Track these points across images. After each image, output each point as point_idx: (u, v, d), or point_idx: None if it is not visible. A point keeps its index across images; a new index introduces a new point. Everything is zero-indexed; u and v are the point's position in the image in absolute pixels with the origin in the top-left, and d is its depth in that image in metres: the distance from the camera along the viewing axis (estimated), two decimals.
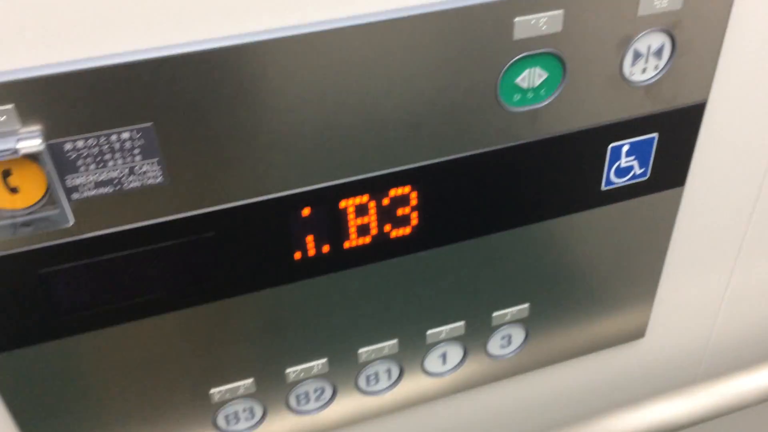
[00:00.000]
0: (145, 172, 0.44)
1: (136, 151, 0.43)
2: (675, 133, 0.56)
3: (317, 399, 0.62)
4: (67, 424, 0.54)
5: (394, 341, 0.60)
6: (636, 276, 0.66)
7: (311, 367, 0.58)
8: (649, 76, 0.52)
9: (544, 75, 0.49)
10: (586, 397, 0.76)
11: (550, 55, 0.48)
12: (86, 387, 0.52)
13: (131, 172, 0.44)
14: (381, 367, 0.62)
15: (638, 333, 0.72)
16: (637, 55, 0.50)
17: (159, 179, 0.44)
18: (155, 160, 0.44)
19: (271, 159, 0.46)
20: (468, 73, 0.47)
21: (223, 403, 0.58)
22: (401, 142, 0.49)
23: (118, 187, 0.44)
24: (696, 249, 0.67)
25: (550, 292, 0.63)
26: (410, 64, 0.45)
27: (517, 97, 0.49)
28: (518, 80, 0.49)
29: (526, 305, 0.63)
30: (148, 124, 0.42)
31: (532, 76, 0.49)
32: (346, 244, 0.52)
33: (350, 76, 0.44)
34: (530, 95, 0.50)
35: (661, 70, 0.52)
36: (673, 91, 0.53)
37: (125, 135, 0.42)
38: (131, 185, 0.44)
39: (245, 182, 0.47)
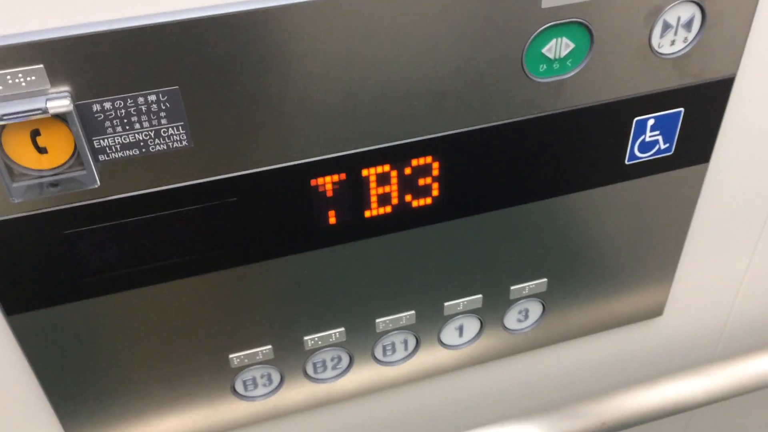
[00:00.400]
0: (170, 136, 0.44)
1: (162, 114, 0.43)
2: (702, 108, 0.55)
3: (334, 367, 0.62)
4: (88, 384, 0.55)
5: (412, 312, 0.60)
6: (656, 253, 0.65)
7: (329, 336, 0.59)
8: (677, 49, 0.51)
9: (571, 45, 0.48)
10: (602, 373, 0.76)
11: (578, 24, 0.47)
12: (108, 348, 0.53)
13: (157, 135, 0.44)
14: (398, 338, 0.62)
15: (656, 311, 0.72)
16: (666, 27, 0.50)
17: (184, 143, 0.45)
18: (181, 123, 0.44)
19: (295, 125, 0.46)
20: (494, 41, 0.46)
21: (241, 369, 0.58)
22: (424, 111, 0.48)
23: (144, 149, 0.44)
24: (718, 227, 0.66)
25: (568, 267, 0.63)
26: (436, 32, 0.45)
27: (543, 67, 0.49)
28: (545, 50, 0.48)
29: (544, 280, 0.63)
30: (175, 88, 0.42)
31: (558, 47, 0.48)
32: (367, 213, 0.52)
33: (375, 43, 0.44)
34: (556, 66, 0.49)
35: (690, 43, 0.51)
36: (702, 64, 0.52)
37: (152, 98, 0.42)
38: (157, 148, 0.44)
39: (268, 148, 0.47)
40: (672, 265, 0.67)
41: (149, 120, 0.43)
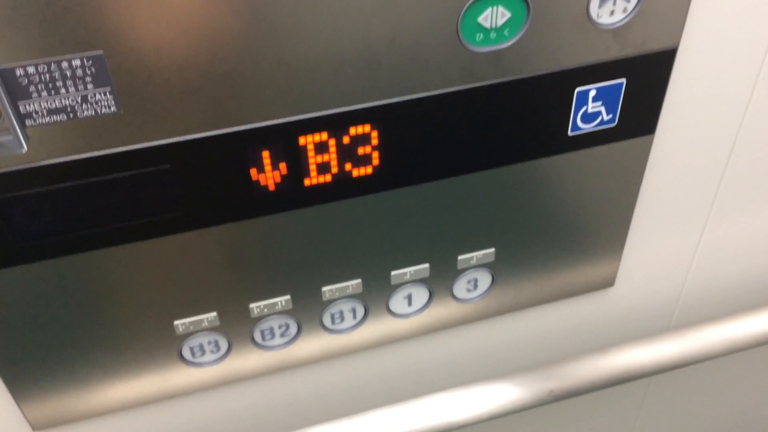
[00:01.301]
0: (98, 101, 0.44)
1: (88, 79, 0.43)
2: (644, 79, 0.55)
3: (282, 335, 0.63)
4: (32, 350, 0.55)
5: (358, 281, 0.61)
6: (605, 224, 0.66)
7: (274, 303, 0.59)
8: (617, 19, 0.51)
9: (507, 14, 0.48)
10: (554, 344, 0.77)
11: None
12: (48, 315, 0.53)
13: (84, 100, 0.44)
14: (345, 306, 0.63)
15: (608, 282, 0.72)
16: None
17: (112, 109, 0.44)
18: (107, 89, 0.44)
19: (227, 92, 0.46)
20: (429, 9, 0.46)
21: (187, 335, 0.59)
22: (360, 80, 0.48)
23: (72, 115, 0.44)
24: (667, 199, 0.66)
25: (516, 237, 0.63)
26: (369, 0, 0.45)
27: (479, 36, 0.49)
28: (480, 19, 0.48)
29: (491, 250, 0.63)
30: (99, 52, 0.42)
31: (494, 15, 0.48)
32: (307, 182, 0.52)
33: (307, 8, 0.44)
34: (493, 35, 0.49)
35: (629, 13, 0.51)
36: (643, 35, 0.52)
37: (76, 62, 0.42)
38: (85, 114, 0.44)
39: (202, 115, 0.47)
40: (621, 236, 0.68)
41: (75, 85, 0.43)
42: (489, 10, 0.48)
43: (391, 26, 0.46)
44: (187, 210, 0.51)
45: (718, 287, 0.78)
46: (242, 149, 0.49)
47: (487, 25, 0.48)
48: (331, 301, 0.61)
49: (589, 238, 0.66)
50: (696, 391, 0.95)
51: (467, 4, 0.47)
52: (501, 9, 0.48)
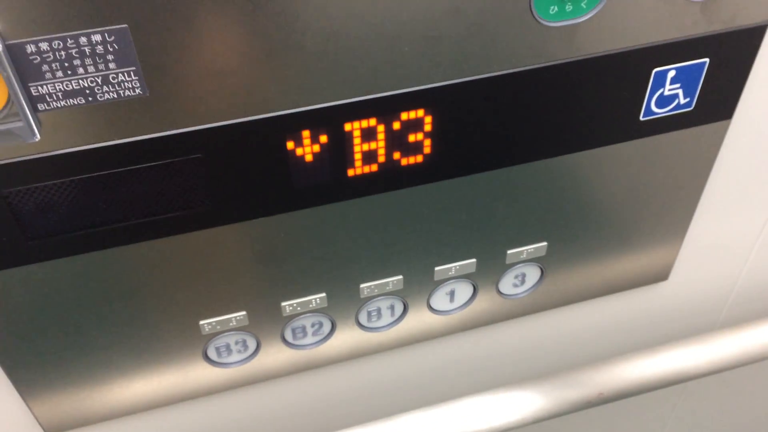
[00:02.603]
0: (121, 83, 0.38)
1: (110, 57, 0.37)
2: (729, 59, 0.49)
3: (315, 333, 0.58)
4: (44, 352, 0.50)
5: (399, 277, 0.55)
6: (667, 214, 0.60)
7: (308, 302, 0.54)
8: None
9: None
10: (601, 340, 0.72)
11: None
12: (62, 316, 0.48)
13: (105, 81, 0.38)
14: (383, 303, 0.58)
15: (662, 275, 0.67)
16: None
17: (138, 91, 0.39)
18: (132, 69, 0.38)
19: (267, 73, 0.40)
20: None
21: (213, 335, 0.54)
22: (416, 59, 0.42)
23: (91, 98, 0.38)
24: (735, 187, 0.61)
25: (570, 230, 0.58)
26: None
27: (554, 9, 0.43)
28: None
29: (543, 244, 0.58)
30: (123, 26, 0.36)
31: None
32: (351, 172, 0.47)
33: None
34: (569, 8, 0.43)
35: None
36: (734, 9, 0.46)
37: (97, 38, 0.36)
38: (106, 97, 0.38)
39: (237, 98, 0.41)
40: (683, 226, 0.62)
41: (95, 64, 0.37)
42: None
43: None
44: (219, 204, 0.45)
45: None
46: (281, 137, 0.43)
47: None
48: (369, 299, 0.56)
49: (649, 229, 0.61)
50: (731, 393, 0.90)
51: None
52: None
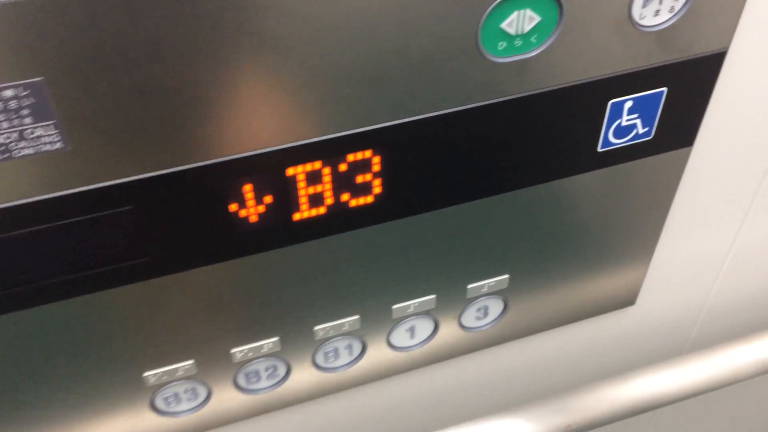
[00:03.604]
0: (39, 137, 0.35)
1: (25, 111, 0.34)
2: (688, 87, 0.48)
3: (270, 377, 0.55)
4: None
5: (356, 317, 0.53)
6: (632, 241, 0.59)
7: (260, 347, 0.52)
8: (662, 20, 0.43)
9: (536, 19, 0.40)
10: (569, 368, 0.70)
11: None
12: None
13: (21, 137, 0.35)
14: (341, 344, 0.55)
15: (629, 300, 0.66)
16: None
17: (58, 145, 0.36)
18: (51, 122, 0.35)
19: (201, 119, 0.38)
20: (443, 16, 0.38)
21: (159, 386, 0.51)
22: (360, 101, 0.40)
23: (7, 155, 0.35)
24: (698, 213, 0.60)
25: (533, 261, 0.56)
26: (372, 6, 0.36)
27: (502, 45, 0.41)
28: (504, 25, 0.40)
29: (505, 276, 0.56)
30: (38, 79, 0.33)
31: (521, 20, 0.40)
32: (296, 216, 0.44)
33: (295, 19, 0.36)
34: (518, 43, 0.41)
35: (677, 13, 0.43)
36: (690, 37, 0.44)
37: (8, 93, 0.33)
38: (23, 153, 0.36)
39: (169, 147, 0.38)
40: (648, 253, 0.61)
41: (9, 119, 0.34)
42: (515, 15, 0.39)
43: (396, 37, 0.38)
44: (157, 255, 0.43)
45: (740, 303, 0.72)
46: (220, 184, 0.41)
47: (512, 31, 0.40)
48: (325, 340, 0.54)
49: (614, 255, 0.59)
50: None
51: (489, 9, 0.38)
52: (529, 13, 0.40)
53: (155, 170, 0.39)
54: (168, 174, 0.39)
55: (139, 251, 0.42)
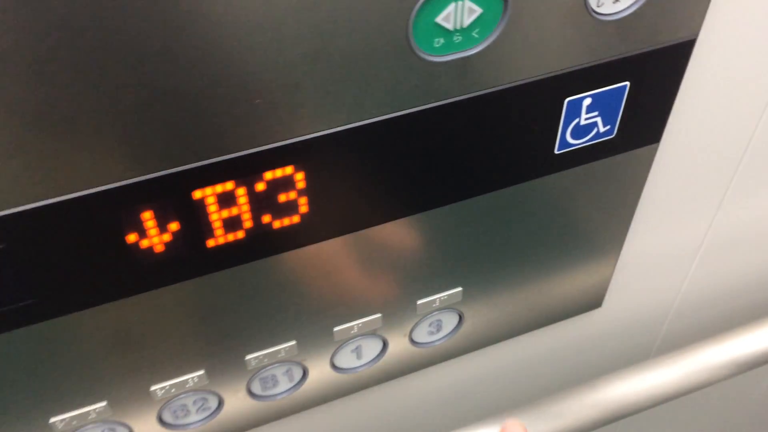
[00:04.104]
0: None
1: None
2: (653, 80, 0.42)
3: (200, 410, 0.50)
4: None
5: (292, 343, 0.48)
6: (596, 244, 0.54)
7: (184, 382, 0.46)
8: (623, 7, 0.37)
9: (477, 11, 0.34)
10: (537, 374, 0.66)
11: None
12: None
13: None
14: (279, 370, 0.50)
15: (595, 303, 0.61)
16: None
17: None
18: None
19: (82, 142, 0.32)
20: (365, 12, 0.32)
21: (72, 431, 0.45)
22: (273, 112, 0.34)
23: None
24: (666, 213, 0.55)
25: (488, 272, 0.51)
26: (279, 3, 0.30)
27: (439, 42, 0.35)
28: (440, 19, 0.34)
29: (458, 289, 0.51)
30: None
31: (459, 13, 0.34)
32: (210, 243, 0.38)
33: (200, 18, 0.29)
34: (458, 38, 0.35)
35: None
36: (655, 25, 0.39)
37: None
38: None
39: (47, 176, 0.32)
40: (614, 253, 0.56)
41: None
42: (451, 7, 0.34)
43: (314, 38, 0.32)
44: (43, 296, 0.36)
45: (709, 300, 0.67)
46: (110, 214, 0.35)
47: (450, 26, 0.34)
48: (259, 368, 0.49)
49: (578, 259, 0.54)
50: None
51: (420, 1, 0.33)
52: (468, 4, 0.34)
53: (30, 203, 0.33)
54: (46, 206, 0.33)
55: (18, 293, 0.36)
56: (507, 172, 0.43)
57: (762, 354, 0.65)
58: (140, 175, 0.34)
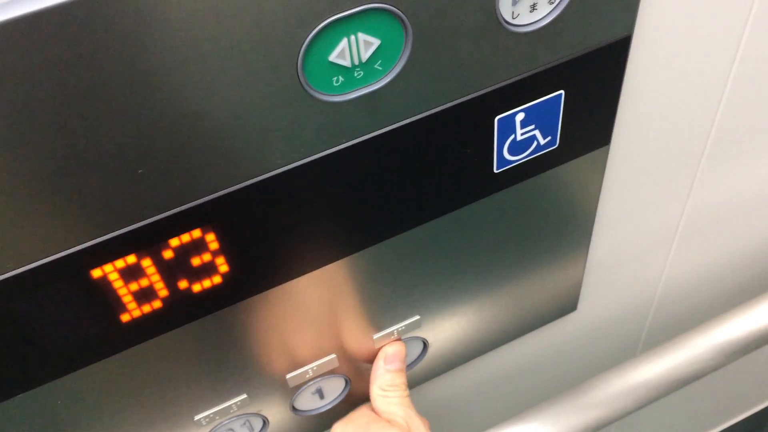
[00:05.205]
0: None
1: None
2: (590, 85, 0.39)
3: None
4: None
5: (243, 396, 0.45)
6: (560, 250, 0.51)
7: None
8: (542, 15, 0.34)
9: (375, 43, 0.31)
10: (519, 383, 0.63)
11: (378, 11, 0.30)
12: None
13: None
14: (235, 424, 0.47)
15: (570, 307, 0.58)
16: None
17: None
18: None
19: None
20: (255, 60, 0.29)
21: None
22: (165, 177, 0.31)
23: None
24: (631, 210, 0.52)
25: (445, 296, 0.48)
26: (152, 64, 0.27)
27: (338, 80, 0.32)
28: (334, 57, 0.30)
29: (416, 318, 0.48)
30: None
31: (354, 48, 0.31)
32: (125, 317, 0.36)
33: (69, 75, 0.26)
34: (359, 74, 0.32)
35: (559, 3, 0.34)
36: (582, 29, 0.35)
37: None
38: None
39: None
40: (581, 256, 0.53)
41: None
42: (344, 43, 0.30)
43: (194, 94, 0.29)
44: None
45: (693, 288, 0.64)
46: (7, 303, 0.32)
47: (346, 62, 0.31)
48: (215, 426, 0.46)
49: (543, 267, 0.51)
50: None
51: (305, 42, 0.29)
52: (363, 37, 0.30)
53: None
54: None
55: None
56: (445, 198, 0.40)
57: (757, 336, 0.63)
58: (33, 262, 0.31)
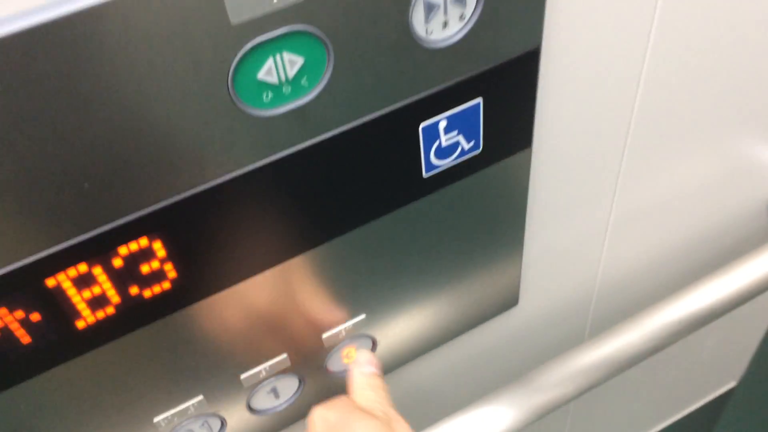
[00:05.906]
0: None
1: None
2: (507, 91, 0.42)
3: None
4: None
5: (199, 398, 0.48)
6: (494, 247, 0.54)
7: None
8: (454, 31, 0.37)
9: (299, 61, 0.34)
10: (466, 381, 0.66)
11: (300, 33, 0.33)
12: None
13: None
14: (194, 425, 0.50)
15: (511, 301, 0.61)
16: (429, 7, 0.36)
17: None
18: None
19: None
20: (186, 79, 0.32)
21: None
22: (110, 190, 0.34)
23: None
24: (560, 204, 0.55)
25: (388, 295, 0.51)
26: (87, 86, 0.30)
27: (267, 96, 0.35)
28: (262, 75, 0.34)
29: (362, 317, 0.51)
30: None
31: (280, 66, 0.34)
32: (80, 324, 0.38)
33: (14, 99, 0.29)
34: (287, 90, 0.35)
35: (469, 20, 0.37)
36: (493, 43, 0.39)
37: None
38: None
39: None
40: (516, 253, 0.56)
41: None
42: (270, 62, 0.33)
43: (130, 114, 0.32)
44: None
45: (631, 280, 0.68)
46: None
47: (274, 80, 0.34)
48: (174, 426, 0.48)
49: (479, 265, 0.54)
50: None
51: (234, 61, 0.32)
52: (288, 56, 0.33)
53: None
54: None
55: None
56: (379, 202, 0.43)
57: (692, 320, 0.66)
58: None
